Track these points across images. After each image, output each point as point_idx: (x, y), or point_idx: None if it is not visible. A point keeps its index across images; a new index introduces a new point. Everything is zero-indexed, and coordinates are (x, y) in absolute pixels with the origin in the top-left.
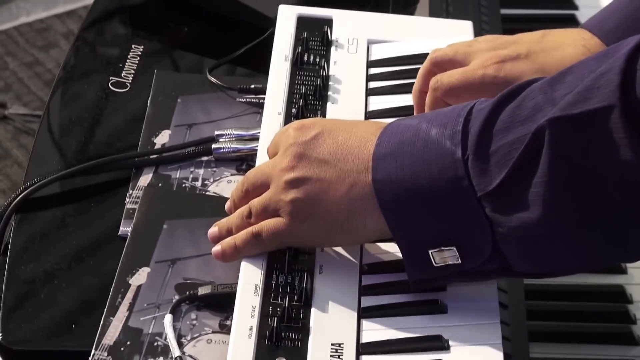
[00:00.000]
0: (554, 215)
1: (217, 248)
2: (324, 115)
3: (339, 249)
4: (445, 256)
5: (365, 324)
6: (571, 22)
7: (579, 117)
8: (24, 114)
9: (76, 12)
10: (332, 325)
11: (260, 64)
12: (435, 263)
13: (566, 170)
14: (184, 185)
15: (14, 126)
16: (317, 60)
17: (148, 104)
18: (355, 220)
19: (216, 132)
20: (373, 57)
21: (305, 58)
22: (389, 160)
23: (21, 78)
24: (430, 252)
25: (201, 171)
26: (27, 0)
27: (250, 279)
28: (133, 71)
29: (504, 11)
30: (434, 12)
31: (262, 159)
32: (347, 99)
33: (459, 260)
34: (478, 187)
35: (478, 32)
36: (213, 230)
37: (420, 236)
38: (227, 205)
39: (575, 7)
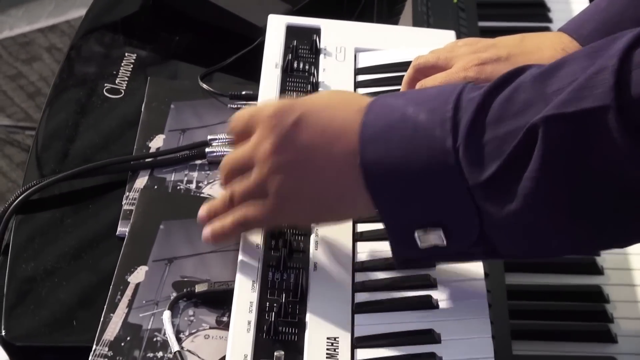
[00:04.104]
0: (544, 208)
1: (206, 231)
2: None
3: (332, 248)
4: (430, 238)
5: (359, 318)
6: None
7: (573, 116)
8: (8, 125)
9: (58, 27)
10: (327, 320)
11: (250, 72)
12: (421, 244)
13: (559, 167)
14: (178, 187)
15: None
16: (307, 67)
17: (142, 110)
18: (345, 202)
19: (209, 137)
20: (360, 65)
21: (295, 65)
22: (377, 143)
23: (5, 90)
24: (416, 233)
25: (195, 174)
26: (10, 15)
27: (247, 276)
28: (127, 78)
29: (481, 24)
30: (417, 24)
31: None
32: None
33: (445, 242)
34: (469, 177)
35: None
36: (201, 213)
37: (407, 218)
38: None
39: (550, 20)
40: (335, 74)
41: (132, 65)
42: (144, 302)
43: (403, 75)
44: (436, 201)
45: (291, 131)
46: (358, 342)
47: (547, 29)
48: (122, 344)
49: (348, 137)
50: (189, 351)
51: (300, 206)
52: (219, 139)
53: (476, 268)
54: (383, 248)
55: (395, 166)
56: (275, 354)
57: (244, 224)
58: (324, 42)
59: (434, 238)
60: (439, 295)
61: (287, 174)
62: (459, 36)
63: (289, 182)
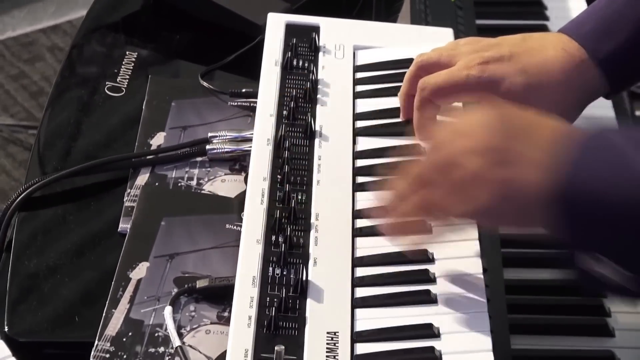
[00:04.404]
0: None
1: (386, 223)
2: (313, 117)
3: (332, 244)
4: (595, 267)
5: (359, 313)
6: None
7: None
8: (11, 124)
9: (60, 27)
10: (327, 314)
11: (250, 70)
12: (589, 269)
13: None
14: (179, 184)
15: (1, 136)
16: (306, 65)
17: (143, 108)
18: (529, 210)
19: (210, 134)
20: (359, 62)
21: (295, 63)
22: (584, 174)
23: (7, 90)
24: (584, 260)
25: (196, 171)
26: (12, 16)
27: (248, 271)
28: (128, 76)
29: (479, 22)
30: (415, 22)
31: (255, 158)
32: (336, 101)
33: (607, 275)
34: None
35: None
36: (382, 197)
37: (585, 245)
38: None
39: (547, 18)
40: (334, 71)
41: (133, 64)
42: (145, 297)
43: (401, 73)
44: (615, 239)
45: (504, 120)
46: (358, 337)
47: (544, 27)
48: (124, 339)
49: (560, 156)
50: (190, 346)
51: (481, 200)
52: (220, 136)
53: (475, 263)
54: (382, 243)
55: (594, 196)
56: (275, 348)
57: (430, 209)
58: (323, 40)
59: (600, 268)
60: (438, 290)
61: (484, 158)
62: (456, 34)
63: (483, 166)
